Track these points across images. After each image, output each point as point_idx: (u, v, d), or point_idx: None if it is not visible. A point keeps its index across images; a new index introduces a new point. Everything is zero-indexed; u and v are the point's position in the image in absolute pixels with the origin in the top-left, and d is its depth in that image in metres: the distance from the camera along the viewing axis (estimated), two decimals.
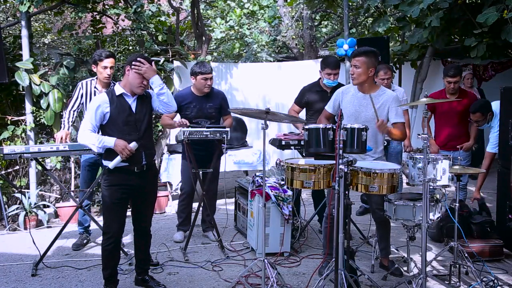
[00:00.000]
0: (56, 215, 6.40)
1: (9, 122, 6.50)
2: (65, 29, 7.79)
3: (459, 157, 4.17)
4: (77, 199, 4.68)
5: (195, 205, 5.12)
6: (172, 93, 7.72)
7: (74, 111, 4.79)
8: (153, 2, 8.17)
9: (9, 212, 5.97)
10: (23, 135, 6.48)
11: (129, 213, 3.80)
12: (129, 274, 4.16)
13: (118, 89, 3.60)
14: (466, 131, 5.23)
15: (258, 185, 4.69)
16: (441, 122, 5.21)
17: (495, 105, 4.89)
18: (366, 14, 10.82)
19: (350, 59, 4.00)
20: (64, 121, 4.81)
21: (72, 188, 6.44)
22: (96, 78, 4.80)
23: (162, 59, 7.51)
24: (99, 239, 4.66)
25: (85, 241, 5.02)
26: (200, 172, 4.79)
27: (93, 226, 5.60)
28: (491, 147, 4.83)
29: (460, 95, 5.14)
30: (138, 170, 3.61)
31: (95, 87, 4.77)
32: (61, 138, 4.54)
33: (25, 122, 6.47)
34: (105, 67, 4.66)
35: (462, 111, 5.13)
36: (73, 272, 4.30)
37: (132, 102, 3.62)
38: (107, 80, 4.72)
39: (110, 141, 3.50)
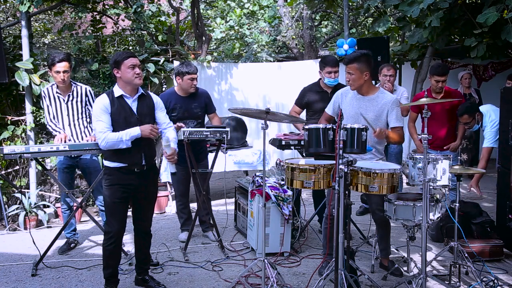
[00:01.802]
0: (56, 215, 6.40)
1: (9, 122, 6.49)
2: (65, 29, 7.79)
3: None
4: (68, 200, 4.66)
5: (194, 205, 5.12)
6: None
7: (53, 118, 4.74)
8: (153, 2, 8.17)
9: (9, 212, 5.97)
10: (23, 135, 6.48)
11: (129, 213, 3.80)
12: (129, 274, 4.16)
13: (117, 90, 3.59)
14: (453, 131, 5.21)
15: (258, 185, 4.69)
16: (428, 122, 5.20)
17: (484, 108, 4.88)
18: (366, 14, 10.81)
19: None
20: (53, 131, 4.76)
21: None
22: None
23: (162, 59, 7.51)
24: (100, 239, 4.65)
25: (72, 245, 4.95)
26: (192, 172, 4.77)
27: (91, 225, 5.61)
28: (487, 142, 4.77)
29: (446, 95, 5.13)
30: (138, 170, 3.62)
31: (57, 92, 4.69)
32: (61, 140, 4.53)
33: (25, 122, 6.47)
34: (58, 72, 4.53)
35: (449, 110, 5.13)
36: (73, 272, 4.30)
37: (132, 103, 3.62)
38: (62, 84, 4.62)
39: (135, 131, 3.54)
